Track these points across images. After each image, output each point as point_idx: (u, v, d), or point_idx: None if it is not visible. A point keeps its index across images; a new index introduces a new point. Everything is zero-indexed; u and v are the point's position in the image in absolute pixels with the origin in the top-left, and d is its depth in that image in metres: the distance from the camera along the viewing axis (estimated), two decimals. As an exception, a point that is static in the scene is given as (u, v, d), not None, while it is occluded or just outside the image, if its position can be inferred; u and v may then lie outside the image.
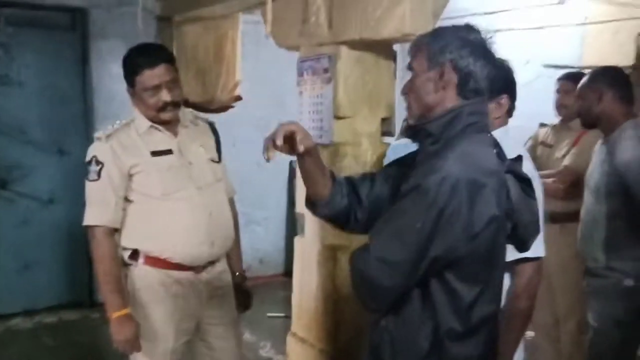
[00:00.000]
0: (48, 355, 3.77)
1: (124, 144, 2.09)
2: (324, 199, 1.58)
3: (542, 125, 3.37)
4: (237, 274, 2.41)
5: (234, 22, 3.58)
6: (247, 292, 2.46)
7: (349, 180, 1.63)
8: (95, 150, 2.09)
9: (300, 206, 3.16)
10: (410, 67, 1.49)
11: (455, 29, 1.45)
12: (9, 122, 4.26)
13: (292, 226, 5.25)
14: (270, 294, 4.86)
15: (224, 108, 3.96)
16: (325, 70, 2.81)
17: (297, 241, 3.18)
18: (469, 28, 1.45)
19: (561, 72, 3.35)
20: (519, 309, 1.77)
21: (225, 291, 2.29)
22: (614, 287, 2.38)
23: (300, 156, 1.49)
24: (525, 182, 1.48)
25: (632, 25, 3.79)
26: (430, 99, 1.43)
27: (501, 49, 4.60)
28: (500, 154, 1.48)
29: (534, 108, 3.73)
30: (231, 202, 2.39)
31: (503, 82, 1.84)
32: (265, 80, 5.10)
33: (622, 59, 3.75)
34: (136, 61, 2.10)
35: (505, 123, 1.92)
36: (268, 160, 1.46)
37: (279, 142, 1.40)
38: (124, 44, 3.71)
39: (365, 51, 2.77)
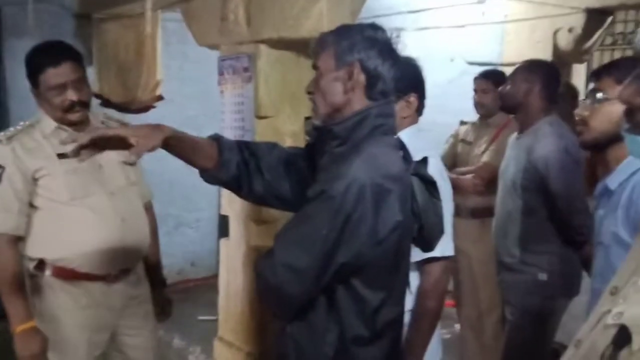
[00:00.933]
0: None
1: (27, 147, 1.98)
2: (210, 170, 1.52)
3: (463, 122, 3.45)
4: (156, 281, 2.33)
5: (153, 20, 3.48)
6: (167, 299, 2.39)
7: (250, 150, 1.56)
8: None
9: (225, 208, 3.10)
10: (315, 66, 1.46)
11: (361, 27, 1.42)
12: None
13: (225, 228, 5.19)
14: (202, 296, 4.78)
15: (145, 108, 3.85)
16: (246, 69, 2.77)
17: (223, 243, 3.13)
18: (374, 27, 1.42)
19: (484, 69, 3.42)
20: (428, 308, 1.76)
21: (142, 300, 2.21)
22: (529, 282, 2.44)
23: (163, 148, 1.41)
24: (430, 184, 1.48)
25: (549, 23, 3.93)
26: (338, 100, 1.40)
27: (427, 46, 4.67)
28: (406, 156, 1.47)
29: (459, 105, 3.82)
30: (148, 207, 2.30)
31: (411, 80, 1.85)
32: (193, 79, 5.00)
33: (540, 55, 3.85)
34: (39, 59, 2.00)
35: (415, 122, 1.92)
36: (81, 160, 1.39)
37: (83, 141, 1.33)
38: (39, 42, 3.56)
39: (285, 50, 2.74)
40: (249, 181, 1.54)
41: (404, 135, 1.81)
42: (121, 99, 3.88)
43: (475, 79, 3.27)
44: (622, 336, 0.76)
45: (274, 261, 1.34)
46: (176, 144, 1.43)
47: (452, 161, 3.27)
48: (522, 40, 4.09)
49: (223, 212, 3.14)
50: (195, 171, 1.55)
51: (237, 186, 1.56)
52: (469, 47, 4.60)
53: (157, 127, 1.39)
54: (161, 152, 4.57)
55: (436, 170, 1.63)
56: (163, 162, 5.61)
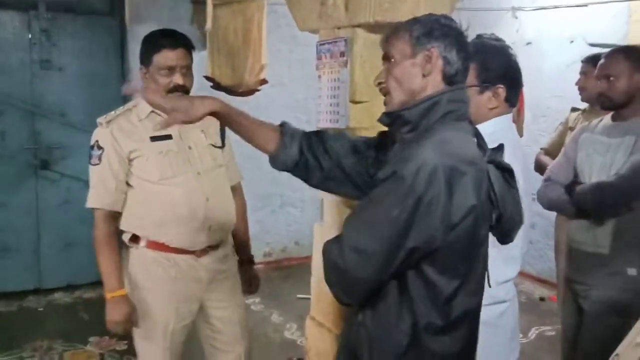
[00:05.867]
0: (79, 329, 3.93)
1: (124, 129, 2.13)
2: (273, 153, 1.60)
3: (574, 109, 3.23)
4: (244, 258, 2.43)
5: (259, 5, 3.57)
6: (254, 276, 2.49)
7: (317, 135, 1.63)
8: (97, 135, 2.15)
9: (320, 191, 3.14)
10: (386, 57, 1.47)
11: (436, 17, 1.43)
12: (50, 105, 4.44)
13: (328, 209, 5.27)
14: (303, 275, 4.85)
15: (251, 91, 3.96)
16: (342, 54, 2.76)
17: (317, 227, 3.17)
18: (447, 18, 1.44)
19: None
20: None
21: (228, 275, 2.32)
22: (620, 276, 2.27)
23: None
24: (507, 172, 1.43)
25: (683, 1, 3.55)
26: (417, 85, 1.41)
27: (544, 27, 4.47)
28: (481, 143, 1.44)
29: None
30: (237, 188, 2.40)
31: (501, 70, 1.77)
32: (302, 63, 5.09)
33: (671, 36, 3.53)
34: (159, 40, 2.14)
35: (505, 112, 1.83)
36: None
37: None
38: (160, 28, 3.79)
39: (381, 34, 2.69)
40: (317, 164, 1.59)
41: (493, 123, 1.75)
42: (230, 83, 4.02)
43: (582, 61, 3.06)
44: None
45: (342, 244, 1.33)
46: (228, 120, 1.54)
47: (560, 150, 3.07)
48: (651, 19, 3.73)
49: (320, 196, 3.17)
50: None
51: (304, 173, 1.62)
52: (590, 28, 4.28)
53: (203, 99, 1.48)
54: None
55: (514, 158, 1.56)
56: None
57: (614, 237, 2.28)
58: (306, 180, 1.65)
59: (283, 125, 1.62)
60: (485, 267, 1.46)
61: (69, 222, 4.53)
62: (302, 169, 1.61)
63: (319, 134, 1.62)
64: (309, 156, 1.59)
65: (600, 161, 2.33)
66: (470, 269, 1.38)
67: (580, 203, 2.32)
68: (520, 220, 1.48)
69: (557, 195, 2.41)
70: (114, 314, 2.08)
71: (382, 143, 1.57)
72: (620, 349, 0.80)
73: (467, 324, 1.39)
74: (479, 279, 1.43)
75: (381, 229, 1.29)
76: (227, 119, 1.54)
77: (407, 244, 1.27)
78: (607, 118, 2.44)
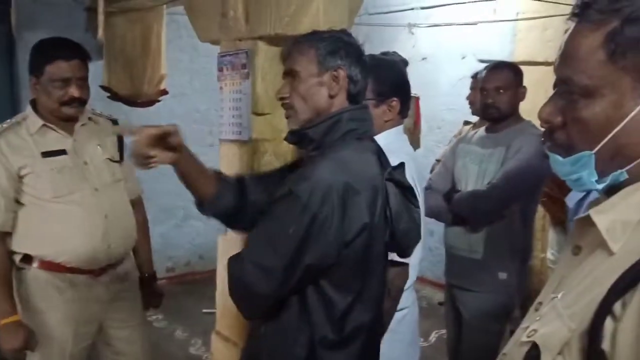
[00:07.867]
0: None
1: (12, 144, 2.01)
2: (208, 199, 1.51)
3: (466, 122, 3.40)
4: (146, 275, 2.36)
5: (158, 14, 3.50)
6: (157, 292, 2.42)
7: (241, 180, 1.58)
8: None
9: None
10: (290, 71, 1.45)
11: (338, 34, 1.44)
12: None
13: (233, 221, 5.20)
14: (207, 289, 4.78)
15: (150, 102, 3.88)
16: (243, 66, 2.76)
17: (220, 240, 3.13)
18: (349, 34, 1.45)
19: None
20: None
21: (130, 294, 2.24)
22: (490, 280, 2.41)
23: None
24: (407, 190, 1.46)
25: (561, 22, 3.83)
26: (322, 104, 1.41)
27: (439, 43, 4.65)
28: (382, 161, 1.47)
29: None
30: (137, 202, 2.32)
31: (393, 84, 1.86)
32: (203, 73, 5.02)
33: (551, 54, 3.79)
34: (52, 50, 2.03)
35: (398, 124, 1.92)
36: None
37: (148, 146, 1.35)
38: (52, 35, 3.61)
39: (283, 47, 2.72)
40: (244, 210, 1.54)
41: (385, 135, 1.81)
42: (128, 93, 3.92)
43: (471, 76, 3.24)
44: (533, 354, 0.74)
45: (243, 260, 1.35)
46: (186, 157, 1.45)
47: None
48: (534, 38, 3.99)
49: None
50: (205, 164, 1.55)
51: (233, 216, 1.55)
52: (480, 45, 4.54)
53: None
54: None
55: (409, 176, 1.61)
56: (171, 156, 5.58)
57: (486, 243, 2.41)
58: (231, 227, 1.63)
59: (220, 172, 1.58)
60: (382, 284, 1.50)
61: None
62: (230, 218, 1.56)
63: (243, 183, 1.57)
64: (239, 208, 1.53)
65: (476, 170, 2.47)
66: (364, 285, 1.40)
67: (456, 210, 2.44)
68: (417, 237, 1.51)
69: (435, 203, 2.48)
70: (9, 342, 1.94)
71: (296, 163, 1.57)
72: (507, 348, 0.85)
73: (360, 340, 1.41)
74: (375, 296, 1.45)
75: (279, 246, 1.30)
76: (187, 159, 1.45)
77: (303, 260, 1.29)
78: (481, 130, 2.61)
